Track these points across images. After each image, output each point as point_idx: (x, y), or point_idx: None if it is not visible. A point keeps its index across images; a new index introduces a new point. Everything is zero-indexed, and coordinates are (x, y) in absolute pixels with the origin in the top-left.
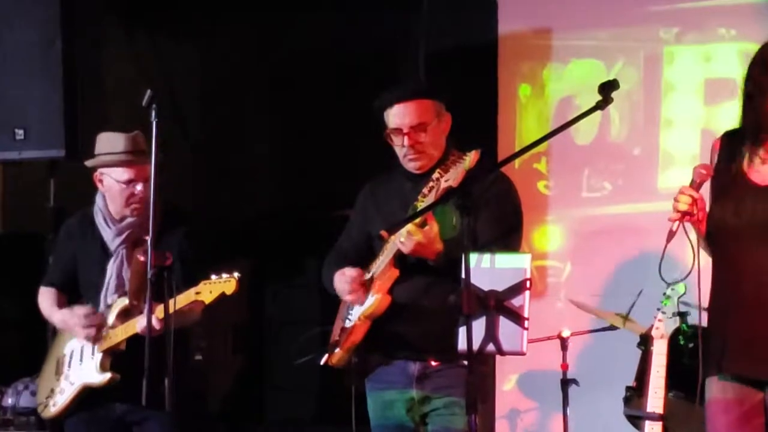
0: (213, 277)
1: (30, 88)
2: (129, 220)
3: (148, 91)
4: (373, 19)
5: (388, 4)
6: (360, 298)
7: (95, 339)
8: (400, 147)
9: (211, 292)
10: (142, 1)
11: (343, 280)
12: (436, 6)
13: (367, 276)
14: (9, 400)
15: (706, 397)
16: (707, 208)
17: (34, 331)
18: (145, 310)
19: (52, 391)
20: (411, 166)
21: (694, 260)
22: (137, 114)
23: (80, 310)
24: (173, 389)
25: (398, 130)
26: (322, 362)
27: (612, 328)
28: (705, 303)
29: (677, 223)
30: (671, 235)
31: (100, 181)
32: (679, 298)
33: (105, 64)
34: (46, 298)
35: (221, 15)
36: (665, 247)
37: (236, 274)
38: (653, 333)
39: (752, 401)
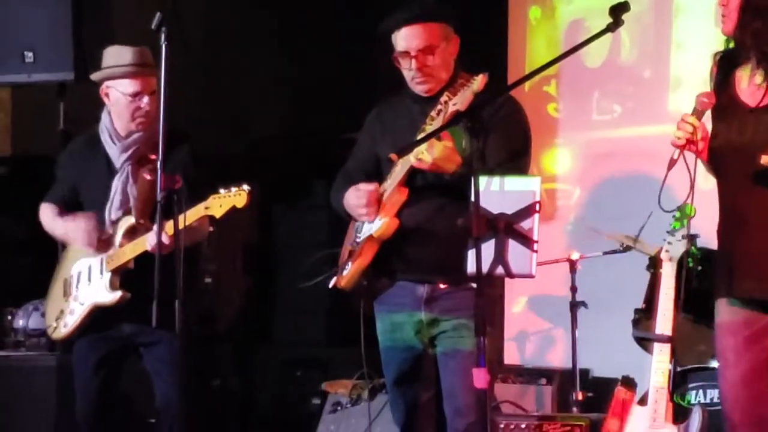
0: (222, 191)
1: (38, 10)
2: (135, 135)
3: (158, 14)
4: None
5: None
6: (372, 214)
7: (98, 247)
8: (408, 70)
9: (221, 205)
10: None
11: (358, 195)
12: None
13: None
14: (20, 322)
15: (715, 319)
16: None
17: (44, 252)
18: (155, 230)
19: (62, 312)
20: (419, 89)
21: (690, 190)
22: (146, 35)
23: (83, 218)
24: (182, 311)
25: (406, 53)
26: (330, 285)
27: (621, 250)
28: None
29: (678, 151)
30: (672, 163)
31: (106, 95)
32: (688, 220)
33: None
34: (47, 213)
35: None
36: (666, 175)
37: (246, 187)
38: (662, 255)
39: (760, 323)
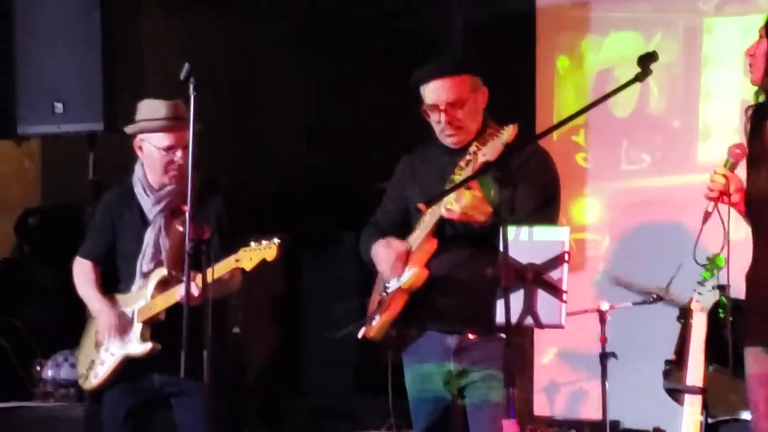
0: (252, 244)
1: (69, 61)
2: (167, 188)
3: (186, 65)
4: None
5: None
6: (399, 270)
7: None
8: (437, 123)
9: (251, 258)
10: None
11: (389, 252)
12: None
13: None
14: (49, 372)
15: (746, 370)
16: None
17: (73, 303)
18: (185, 280)
19: (93, 362)
20: (448, 141)
21: (724, 240)
22: (175, 86)
23: (114, 313)
24: (211, 361)
25: (435, 107)
26: (359, 335)
27: (651, 301)
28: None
29: (712, 204)
30: (707, 216)
31: (140, 147)
32: (718, 271)
33: (142, 35)
34: (81, 271)
35: None
36: (701, 228)
37: (277, 240)
38: (692, 306)
39: None
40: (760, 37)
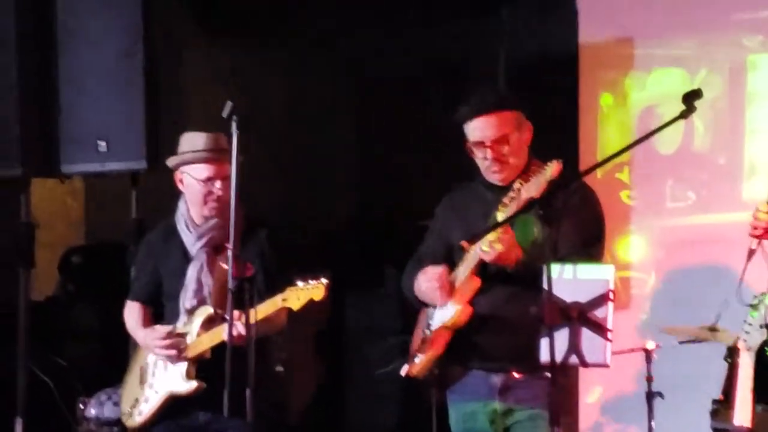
0: (300, 283)
1: (112, 100)
2: (209, 223)
3: (229, 103)
4: (455, 28)
5: (469, 15)
6: (444, 296)
7: (174, 359)
8: (483, 159)
9: (299, 298)
10: (220, 13)
11: (427, 277)
12: (516, 15)
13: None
14: (92, 411)
15: None
16: None
17: (116, 341)
18: (228, 320)
19: (137, 400)
20: (494, 178)
21: None
22: (218, 124)
23: (160, 330)
24: (255, 399)
25: (480, 143)
26: (403, 373)
27: (698, 340)
28: None
29: (756, 241)
30: (751, 253)
31: (181, 180)
32: (766, 309)
33: (184, 75)
34: (131, 314)
35: (299, 24)
36: (745, 266)
37: (324, 280)
38: (740, 345)
39: None
40: None
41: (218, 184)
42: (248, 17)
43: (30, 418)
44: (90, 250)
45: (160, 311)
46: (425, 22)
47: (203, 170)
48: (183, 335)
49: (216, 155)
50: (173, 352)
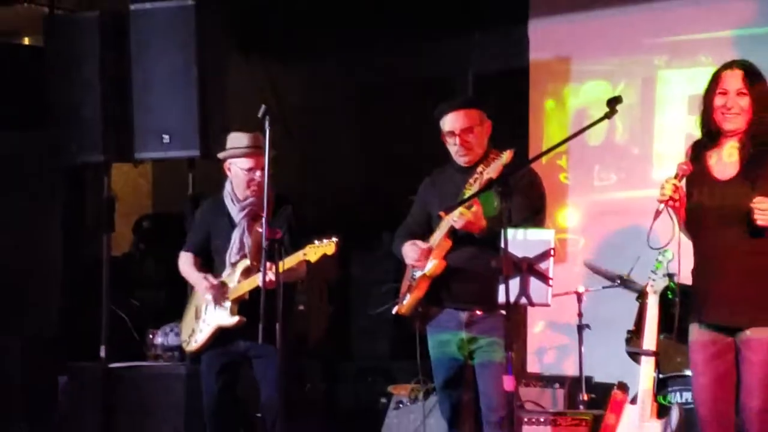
0: (316, 241)
1: (173, 102)
2: (249, 199)
3: (263, 106)
4: (437, 50)
5: (448, 40)
6: (422, 265)
7: (216, 301)
8: (453, 145)
9: (315, 253)
10: (257, 33)
11: (415, 249)
12: (483, 40)
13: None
14: (159, 340)
15: (689, 339)
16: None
17: (177, 287)
18: (262, 269)
19: (193, 331)
20: (461, 160)
21: (673, 234)
22: (253, 122)
23: (211, 279)
24: (282, 331)
25: (451, 133)
26: (394, 312)
27: (616, 285)
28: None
29: (662, 204)
30: (657, 214)
31: (228, 169)
32: (668, 262)
33: (228, 83)
34: (184, 261)
35: (319, 43)
36: (652, 223)
37: (335, 239)
38: (648, 289)
39: (722, 343)
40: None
41: (258, 173)
42: (279, 37)
43: (111, 345)
44: (157, 217)
45: (205, 261)
46: (415, 44)
47: (246, 163)
48: (226, 283)
49: (256, 150)
50: (218, 295)
